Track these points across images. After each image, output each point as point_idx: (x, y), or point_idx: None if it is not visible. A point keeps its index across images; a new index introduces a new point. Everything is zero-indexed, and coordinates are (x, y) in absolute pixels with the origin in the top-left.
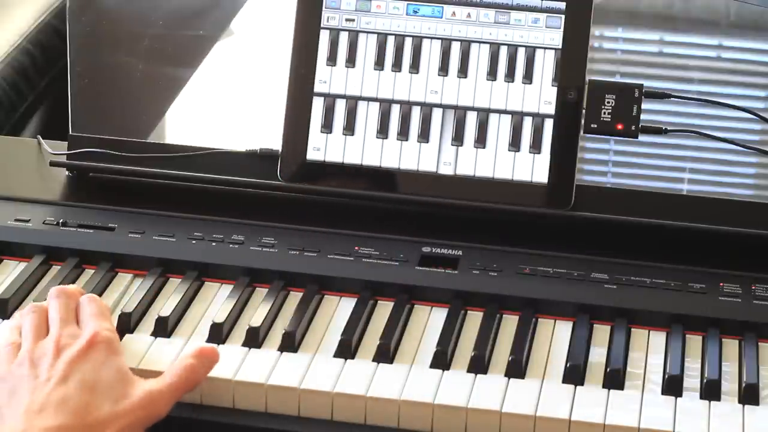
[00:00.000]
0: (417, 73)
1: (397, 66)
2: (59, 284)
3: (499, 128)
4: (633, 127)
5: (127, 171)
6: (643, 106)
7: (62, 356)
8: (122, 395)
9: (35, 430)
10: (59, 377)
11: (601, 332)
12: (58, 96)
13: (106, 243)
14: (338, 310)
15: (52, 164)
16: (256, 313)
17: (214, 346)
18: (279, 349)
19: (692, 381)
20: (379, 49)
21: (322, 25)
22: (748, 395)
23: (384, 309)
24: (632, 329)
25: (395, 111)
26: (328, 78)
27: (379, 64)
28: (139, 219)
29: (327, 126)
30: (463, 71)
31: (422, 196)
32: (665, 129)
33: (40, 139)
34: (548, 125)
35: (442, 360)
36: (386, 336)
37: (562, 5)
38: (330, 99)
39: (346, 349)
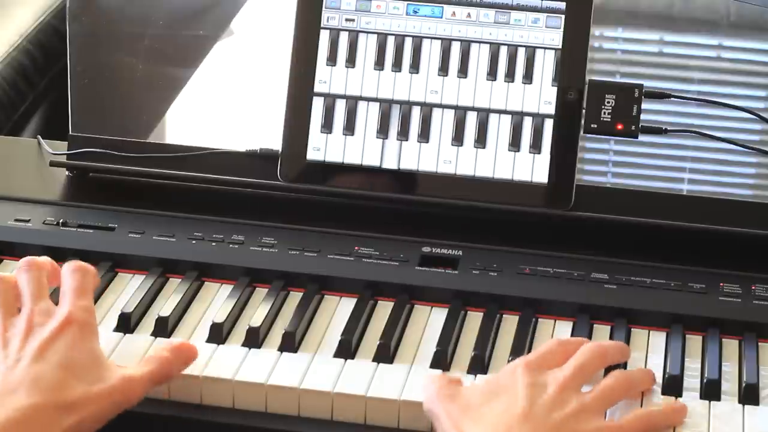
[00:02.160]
0: (417, 73)
1: (397, 66)
2: None
3: (499, 128)
4: (633, 127)
5: (127, 171)
6: (643, 106)
7: (34, 336)
8: (98, 378)
9: (8, 411)
10: (32, 357)
11: (601, 332)
12: (58, 96)
13: (106, 243)
14: (338, 310)
15: (52, 164)
16: (256, 313)
17: (201, 346)
18: (279, 349)
19: (692, 381)
20: (379, 49)
21: (322, 25)
22: (748, 395)
23: (384, 309)
24: (632, 329)
25: (395, 111)
26: (328, 78)
27: (379, 64)
28: (139, 219)
29: (327, 126)
30: (463, 71)
31: (422, 196)
32: (665, 129)
33: (40, 139)
34: (548, 125)
35: (442, 360)
36: (386, 336)
37: (562, 5)
38: (330, 99)
39: (346, 349)
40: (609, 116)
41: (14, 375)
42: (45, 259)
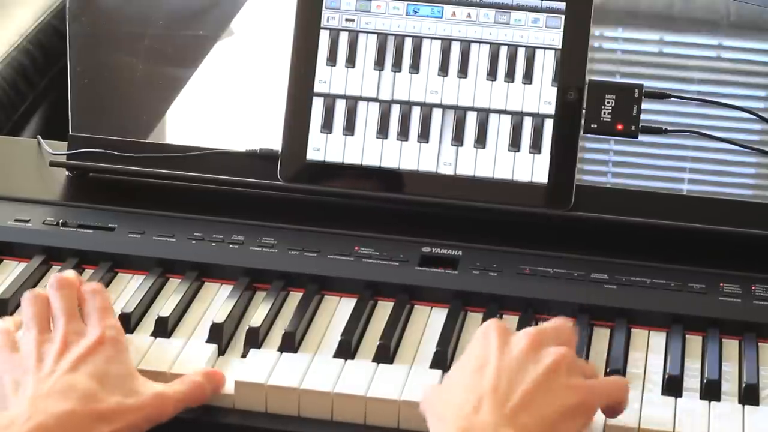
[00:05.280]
0: (417, 73)
1: (397, 66)
2: None
3: (499, 128)
4: (633, 127)
5: (127, 171)
6: (643, 106)
7: (69, 351)
8: (132, 391)
9: (42, 415)
10: (66, 368)
11: (601, 332)
12: (58, 96)
13: (106, 243)
14: (338, 310)
15: (52, 164)
16: (256, 313)
17: (223, 373)
18: (279, 349)
19: (692, 381)
20: (379, 49)
21: (322, 25)
22: (748, 395)
23: (384, 309)
24: (632, 329)
25: (395, 111)
26: (328, 78)
27: (379, 64)
28: (139, 219)
29: (327, 126)
30: (463, 71)
31: (422, 196)
32: (665, 129)
33: (40, 139)
34: (548, 125)
35: (442, 360)
36: (386, 336)
37: (562, 5)
38: (330, 99)
39: (346, 349)
40: (609, 116)
41: (48, 383)
42: (74, 276)
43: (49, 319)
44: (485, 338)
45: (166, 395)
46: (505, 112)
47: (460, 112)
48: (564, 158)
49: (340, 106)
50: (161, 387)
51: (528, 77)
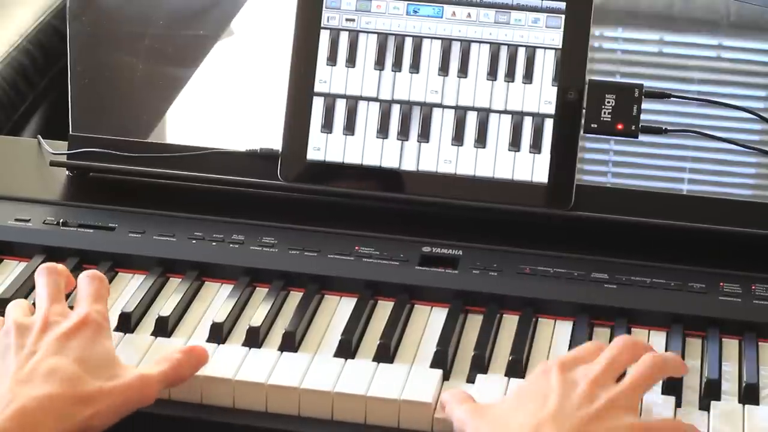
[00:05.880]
0: (417, 73)
1: (397, 66)
2: None
3: (499, 128)
4: (633, 127)
5: (127, 171)
6: (643, 106)
7: (49, 332)
8: (113, 375)
9: (22, 399)
10: (47, 350)
11: (601, 332)
12: (58, 96)
13: (106, 243)
14: (338, 310)
15: (52, 164)
16: (256, 313)
17: (205, 347)
18: (279, 349)
19: (692, 381)
20: (380, 49)
21: (322, 25)
22: (748, 395)
23: (384, 309)
24: (632, 329)
25: (395, 111)
26: (328, 78)
27: (380, 64)
28: (139, 219)
29: (327, 126)
30: (463, 71)
31: (422, 196)
32: (665, 129)
33: (40, 139)
34: (548, 125)
35: (442, 360)
36: (386, 335)
37: (562, 5)
38: (330, 99)
39: (346, 349)
40: (609, 116)
41: (30, 366)
42: (63, 267)
43: (30, 311)
44: (546, 378)
45: (149, 377)
46: (505, 111)
47: (461, 112)
48: (564, 158)
49: (341, 106)
50: (144, 369)
51: (528, 77)
